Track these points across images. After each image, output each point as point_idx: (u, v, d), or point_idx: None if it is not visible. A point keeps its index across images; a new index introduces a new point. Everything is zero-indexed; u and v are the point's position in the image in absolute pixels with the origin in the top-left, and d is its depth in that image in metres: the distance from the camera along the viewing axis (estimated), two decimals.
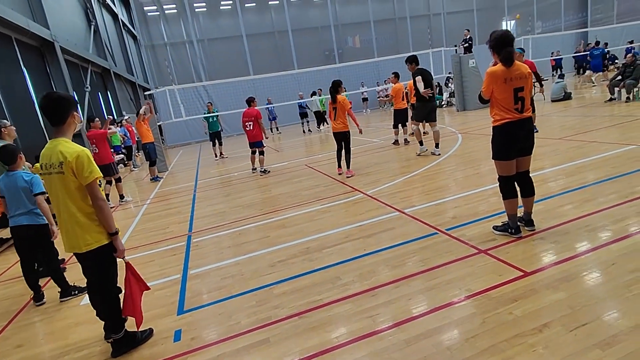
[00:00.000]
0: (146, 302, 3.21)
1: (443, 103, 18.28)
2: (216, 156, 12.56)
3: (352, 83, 19.47)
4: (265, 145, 8.61)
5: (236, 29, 22.32)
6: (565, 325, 2.16)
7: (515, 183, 3.35)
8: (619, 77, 10.26)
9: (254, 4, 23.47)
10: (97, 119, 7.51)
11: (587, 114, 7.85)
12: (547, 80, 15.97)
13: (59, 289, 3.65)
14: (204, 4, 22.72)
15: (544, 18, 28.84)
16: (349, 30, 25.19)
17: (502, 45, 3.08)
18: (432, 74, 14.91)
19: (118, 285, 2.61)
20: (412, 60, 7.45)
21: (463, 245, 3.34)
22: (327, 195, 5.66)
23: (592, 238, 3.12)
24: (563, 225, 3.42)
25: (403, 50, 23.93)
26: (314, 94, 16.28)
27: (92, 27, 15.98)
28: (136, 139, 15.46)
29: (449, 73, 14.93)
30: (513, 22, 28.81)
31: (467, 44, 14.22)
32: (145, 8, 21.62)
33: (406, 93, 9.44)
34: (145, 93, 13.75)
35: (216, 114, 13.00)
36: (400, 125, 9.12)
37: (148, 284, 2.75)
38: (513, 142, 3.20)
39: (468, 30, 14.79)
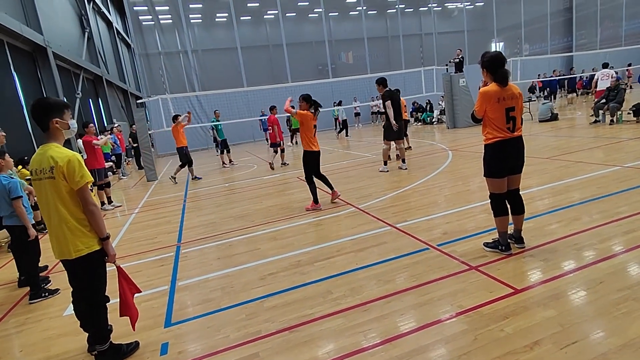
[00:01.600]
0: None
1: (434, 120, 18.60)
2: (224, 164, 12.60)
3: (345, 98, 19.71)
4: (282, 145, 10.79)
5: (231, 41, 22.52)
6: (556, 343, 2.17)
7: (506, 201, 3.40)
8: (604, 101, 10.60)
9: (250, 17, 23.80)
10: (91, 124, 7.62)
11: (573, 135, 8.08)
12: (534, 101, 16.40)
13: (31, 291, 3.71)
14: (199, 15, 22.94)
15: (531, 41, 29.85)
16: (343, 46, 25.66)
17: (497, 66, 3.17)
18: (424, 91, 15.26)
19: (106, 294, 2.55)
20: (380, 83, 7.57)
21: (454, 261, 3.35)
22: (319, 209, 5.64)
23: (580, 256, 3.16)
24: (552, 243, 3.47)
25: (395, 68, 24.46)
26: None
27: (86, 34, 15.96)
28: (125, 146, 15.31)
29: (442, 97, 15.23)
30: (501, 43, 29.74)
31: (458, 61, 14.56)
32: (140, 17, 21.71)
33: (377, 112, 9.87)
34: (138, 101, 13.68)
35: (221, 122, 13.10)
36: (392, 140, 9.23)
37: (134, 296, 2.69)
38: (504, 160, 3.26)
39: (460, 50, 15.18)
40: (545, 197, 4.86)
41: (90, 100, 15.95)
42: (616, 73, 17.74)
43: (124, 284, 2.56)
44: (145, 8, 21.44)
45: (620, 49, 24.15)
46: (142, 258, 4.57)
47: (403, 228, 4.36)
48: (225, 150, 12.71)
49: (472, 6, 28.94)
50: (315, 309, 2.88)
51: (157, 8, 21.64)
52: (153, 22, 21.83)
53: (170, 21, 22.16)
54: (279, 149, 10.64)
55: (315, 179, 5.73)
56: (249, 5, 23.45)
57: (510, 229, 3.49)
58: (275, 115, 10.59)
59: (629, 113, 10.15)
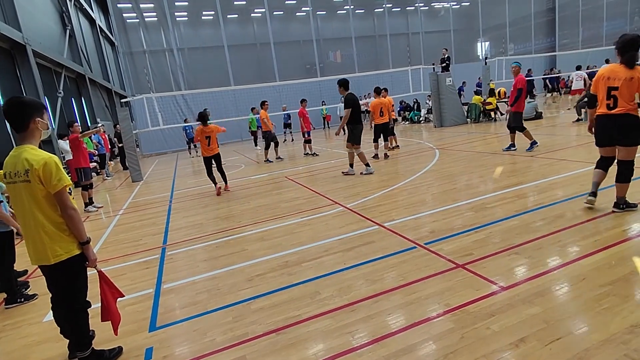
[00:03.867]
0: None
1: (421, 119, 18.75)
2: None
3: (333, 97, 19.71)
4: (310, 136, 12.00)
5: (218, 39, 22.29)
6: (540, 340, 2.19)
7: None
8: (585, 100, 10.82)
9: (237, 15, 23.58)
10: (76, 123, 7.59)
11: (557, 133, 8.24)
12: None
13: (6, 296, 3.63)
14: (185, 13, 22.64)
15: (516, 41, 30.33)
16: (331, 45, 25.65)
17: (626, 50, 3.56)
18: (411, 90, 15.34)
19: (87, 299, 2.49)
20: (342, 84, 7.39)
21: (441, 260, 3.37)
22: (307, 208, 5.63)
23: (563, 253, 3.21)
24: (537, 240, 3.51)
25: (383, 67, 24.59)
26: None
27: (68, 31, 15.58)
28: (109, 146, 15.01)
29: (429, 96, 15.36)
30: (487, 43, 30.15)
31: (444, 63, 14.69)
32: (124, 15, 21.31)
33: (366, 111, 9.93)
34: (122, 100, 13.42)
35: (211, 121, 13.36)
36: (380, 139, 9.31)
37: (118, 300, 2.63)
38: (601, 132, 3.85)
39: (446, 50, 15.32)
40: (530, 195, 4.93)
41: (73, 99, 15.58)
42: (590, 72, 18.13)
43: (106, 288, 2.49)
44: (130, 6, 21.07)
45: (601, 49, 24.71)
46: (126, 261, 4.48)
47: (391, 227, 4.36)
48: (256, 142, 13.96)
49: (458, 6, 29.26)
50: (302, 310, 2.86)
51: (141, 6, 21.28)
52: (138, 20, 21.46)
53: (156, 19, 21.81)
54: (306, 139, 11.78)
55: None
56: (235, 3, 23.24)
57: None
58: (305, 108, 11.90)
59: None
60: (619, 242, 3.25)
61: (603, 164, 3.99)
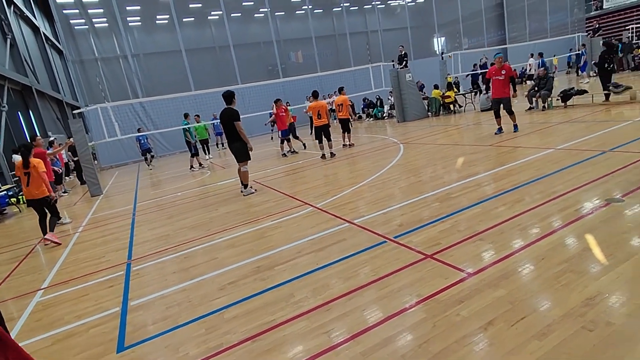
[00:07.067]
0: (79, 344, 2.90)
1: (385, 115, 19.12)
2: (193, 167, 12.59)
3: (297, 98, 19.66)
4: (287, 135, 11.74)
5: (174, 44, 21.59)
6: (507, 321, 2.29)
7: None
8: (535, 89, 11.46)
9: (193, 19, 22.97)
10: (38, 136, 7.18)
11: (508, 122, 8.66)
12: (475, 92, 17.37)
13: None
14: (138, 18, 21.77)
15: (469, 35, 31.56)
16: (291, 45, 25.57)
17: None
18: (373, 87, 15.59)
19: None
20: (226, 96, 6.72)
21: (411, 252, 3.44)
22: (277, 211, 5.58)
23: (523, 236, 3.38)
24: (499, 225, 3.67)
25: (345, 65, 24.81)
26: (186, 116, 13.42)
27: (8, 40, 14.57)
28: (65, 160, 14.19)
29: (390, 93, 15.68)
30: (443, 38, 31.19)
31: (403, 61, 15.04)
32: (71, 21, 20.16)
33: (332, 110, 10.12)
34: (74, 112, 12.72)
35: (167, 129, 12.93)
36: (324, 139, 9.59)
37: (81, 322, 2.48)
38: None
39: (402, 47, 15.69)
40: (490, 182, 5.14)
41: (20, 113, 14.59)
42: (544, 63, 19.28)
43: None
44: (77, 11, 19.94)
45: (547, 40, 26.26)
46: (88, 280, 4.24)
47: (361, 223, 4.41)
48: (205, 150, 13.38)
49: (413, 3, 30.05)
50: (277, 314, 2.83)
51: (90, 11, 20.21)
52: (87, 26, 20.37)
53: (106, 25, 20.81)
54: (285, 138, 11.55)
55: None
56: (191, 6, 22.62)
57: None
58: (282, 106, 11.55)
59: (557, 99, 11.06)
60: (572, 221, 3.46)
61: None
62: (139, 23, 21.94)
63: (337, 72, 17.36)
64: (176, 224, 5.94)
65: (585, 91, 11.00)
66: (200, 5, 22.79)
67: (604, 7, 32.93)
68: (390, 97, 18.70)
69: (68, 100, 21.46)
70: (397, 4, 29.64)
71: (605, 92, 10.24)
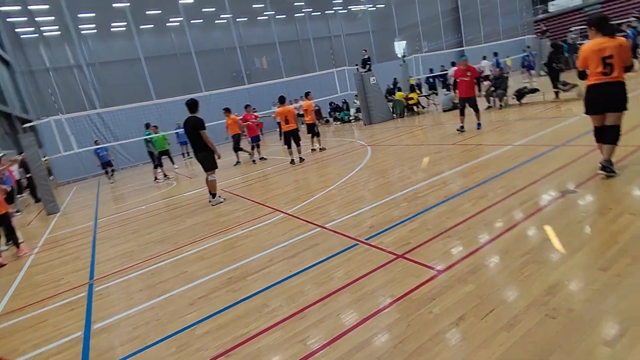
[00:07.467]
0: None
1: (351, 118, 19.36)
2: (157, 178, 12.23)
3: (264, 103, 19.53)
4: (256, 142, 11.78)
5: (133, 52, 20.86)
6: (476, 315, 2.35)
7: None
8: (492, 88, 12.01)
9: (152, 26, 22.35)
10: None
11: (472, 121, 9.03)
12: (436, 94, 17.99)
13: None
14: (92, 26, 20.90)
15: (428, 39, 32.70)
16: (255, 51, 25.44)
17: (605, 24, 4.00)
18: (338, 91, 15.74)
19: None
20: (190, 105, 6.61)
21: (382, 253, 3.48)
22: (247, 219, 5.47)
23: (488, 231, 3.50)
24: (465, 222, 3.79)
25: (310, 70, 24.95)
26: (147, 126, 12.90)
27: None
28: (16, 177, 13.28)
29: (356, 96, 15.92)
30: (404, 42, 32.13)
31: (367, 64, 15.31)
32: (17, 30, 19.01)
33: (300, 114, 10.20)
34: (24, 125, 11.94)
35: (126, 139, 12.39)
36: (293, 144, 9.58)
37: (39, 352, 2.30)
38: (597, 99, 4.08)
39: (365, 50, 15.98)
40: (455, 180, 5.31)
41: None
42: (500, 64, 20.27)
43: None
44: (24, 19, 18.85)
45: (500, 42, 27.66)
46: (46, 305, 3.96)
47: (332, 227, 4.41)
48: (173, 160, 12.88)
49: (374, 8, 30.78)
50: (251, 326, 2.76)
51: (38, 19, 19.17)
52: (36, 35, 19.28)
53: (58, 33, 19.79)
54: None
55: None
56: (148, 13, 21.98)
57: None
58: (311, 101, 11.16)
59: (513, 98, 11.65)
60: (532, 214, 3.63)
61: (600, 135, 4.21)
62: (94, 31, 21.08)
63: (302, 77, 17.43)
64: (141, 239, 5.69)
65: (537, 89, 11.66)
66: (159, 11, 22.21)
67: (549, 10, 35.18)
68: (356, 101, 18.97)
69: (17, 113, 20.16)
70: (358, 9, 30.25)
71: (555, 90, 10.90)
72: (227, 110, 11.47)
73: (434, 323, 2.37)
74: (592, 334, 2.01)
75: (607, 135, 4.08)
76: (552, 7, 34.47)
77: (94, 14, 20.66)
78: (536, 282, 2.56)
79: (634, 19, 17.43)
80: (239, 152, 11.78)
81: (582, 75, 4.20)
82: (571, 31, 26.34)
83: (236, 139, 11.55)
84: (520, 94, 11.42)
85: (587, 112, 4.23)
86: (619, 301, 2.22)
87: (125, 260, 4.84)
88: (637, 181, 3.89)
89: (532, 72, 20.92)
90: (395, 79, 19.90)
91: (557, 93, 10.87)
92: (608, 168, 4.06)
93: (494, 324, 2.24)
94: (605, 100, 4.02)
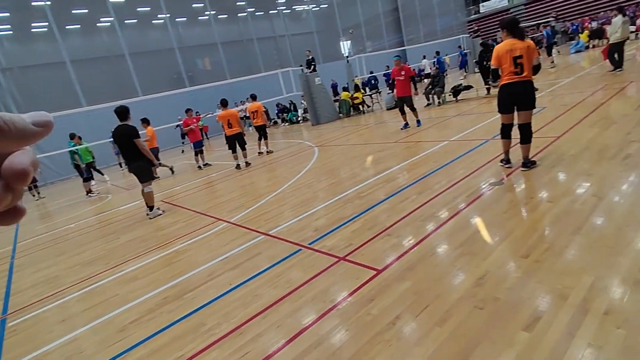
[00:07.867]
0: None
1: (299, 119, 19.33)
2: (91, 192, 11.21)
3: (208, 106, 18.85)
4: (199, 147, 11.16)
5: (57, 55, 19.08)
6: (412, 313, 2.38)
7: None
8: (430, 86, 12.57)
9: (78, 26, 20.62)
10: None
11: (412, 119, 9.36)
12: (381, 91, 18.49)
13: None
14: (8, 27, 18.85)
15: (372, 38, 33.55)
16: (196, 52, 24.47)
17: (515, 27, 4.29)
18: (284, 92, 15.61)
19: None
20: (118, 113, 6.23)
21: (324, 257, 3.44)
22: (187, 232, 5.19)
23: (425, 226, 3.60)
24: (404, 219, 3.87)
25: (255, 71, 24.47)
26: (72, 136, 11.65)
27: None
28: None
29: (302, 97, 15.86)
30: (349, 42, 32.69)
31: (311, 65, 15.32)
32: None
33: (246, 117, 9.99)
34: None
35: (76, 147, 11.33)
36: (238, 148, 9.36)
37: None
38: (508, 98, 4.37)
39: (309, 51, 15.99)
40: (397, 177, 5.43)
41: None
42: (436, 62, 21.29)
43: None
44: None
45: (438, 42, 29.09)
46: None
47: (276, 234, 4.31)
48: (101, 171, 11.78)
49: (317, 8, 30.94)
50: (186, 348, 2.58)
51: None
52: None
53: None
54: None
55: None
56: (74, 12, 20.26)
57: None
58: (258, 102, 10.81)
59: (449, 94, 12.27)
60: (465, 207, 3.79)
61: (507, 132, 4.54)
62: (10, 32, 19.03)
63: (246, 78, 17.07)
64: (69, 261, 5.18)
65: (471, 86, 12.38)
66: (85, 10, 20.55)
67: (480, 11, 37.68)
68: (303, 101, 18.95)
69: None
70: (302, 9, 30.24)
71: (486, 86, 11.64)
72: (145, 122, 10.39)
73: (372, 324, 2.36)
74: (512, 321, 2.10)
75: (522, 136, 4.38)
76: (483, 8, 36.93)
77: (8, 14, 18.65)
78: (467, 274, 2.65)
79: (552, 19, 19.17)
80: (160, 166, 10.80)
81: (496, 75, 4.48)
82: (499, 31, 28.35)
83: (154, 154, 10.76)
84: (456, 91, 12.05)
85: (500, 111, 4.53)
86: (536, 286, 2.35)
87: (47, 288, 4.36)
88: (555, 170, 4.22)
89: (462, 69, 22.26)
90: (333, 81, 20.35)
91: (488, 89, 11.62)
92: (529, 164, 4.38)
93: (429, 320, 2.28)
94: (516, 99, 4.33)
